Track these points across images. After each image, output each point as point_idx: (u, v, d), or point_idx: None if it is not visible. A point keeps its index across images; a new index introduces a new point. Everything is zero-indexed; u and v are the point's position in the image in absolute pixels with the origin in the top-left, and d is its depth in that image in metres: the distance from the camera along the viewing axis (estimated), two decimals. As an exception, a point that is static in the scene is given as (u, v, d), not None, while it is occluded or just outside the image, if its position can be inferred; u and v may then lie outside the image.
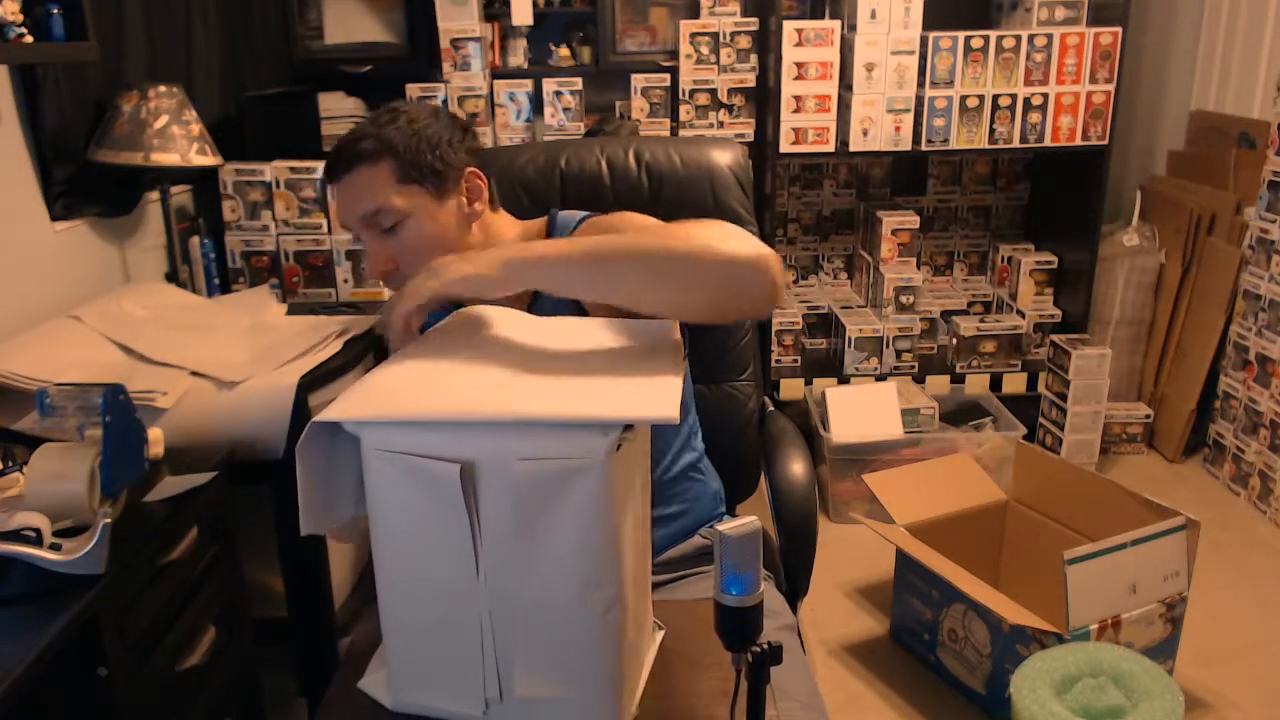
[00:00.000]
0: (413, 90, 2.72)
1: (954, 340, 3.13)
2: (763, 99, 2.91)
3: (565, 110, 2.85)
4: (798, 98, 2.82)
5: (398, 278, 1.21)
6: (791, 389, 3.06)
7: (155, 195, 2.16)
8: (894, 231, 3.04)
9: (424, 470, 0.87)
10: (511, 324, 1.07)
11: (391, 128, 1.18)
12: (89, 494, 1.21)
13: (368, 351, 1.92)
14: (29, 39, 1.58)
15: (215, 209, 2.24)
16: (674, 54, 2.92)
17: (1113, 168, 2.98)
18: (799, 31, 2.78)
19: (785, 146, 2.86)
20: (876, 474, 2.43)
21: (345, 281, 2.24)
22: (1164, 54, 3.35)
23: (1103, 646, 1.76)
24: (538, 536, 0.88)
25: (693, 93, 2.90)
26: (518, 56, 3.01)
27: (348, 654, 1.21)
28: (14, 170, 1.81)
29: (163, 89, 2.00)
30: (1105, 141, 2.88)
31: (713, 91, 2.90)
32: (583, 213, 1.33)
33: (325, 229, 2.21)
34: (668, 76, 2.90)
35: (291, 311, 2.07)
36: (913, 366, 3.10)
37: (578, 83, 2.85)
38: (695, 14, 2.90)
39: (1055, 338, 3.04)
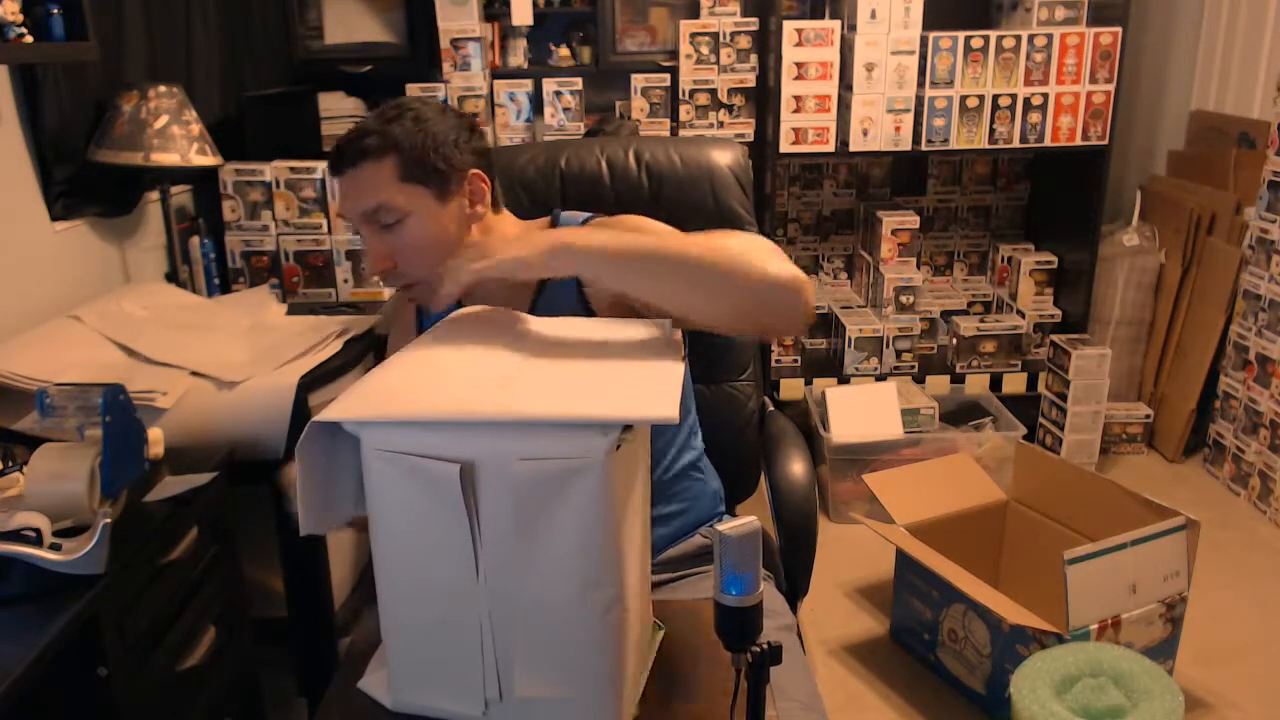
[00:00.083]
0: (412, 90, 2.72)
1: (954, 340, 3.13)
2: (763, 99, 2.92)
3: (565, 110, 2.85)
4: (798, 98, 2.82)
5: (395, 275, 1.21)
6: (791, 389, 3.05)
7: (155, 195, 2.16)
8: (894, 231, 3.04)
9: (424, 470, 0.87)
10: (511, 324, 1.07)
11: (397, 125, 1.18)
12: (89, 494, 1.21)
13: (368, 351, 1.92)
14: (29, 39, 1.58)
15: (215, 209, 2.24)
16: (674, 54, 2.92)
17: (1113, 168, 2.98)
18: (799, 31, 2.78)
19: (785, 146, 2.86)
20: (876, 474, 2.43)
21: (345, 281, 2.23)
22: (1164, 54, 3.35)
23: (1103, 646, 1.76)
24: (538, 536, 0.88)
25: (693, 93, 2.90)
26: (518, 56, 3.01)
27: (348, 654, 1.21)
28: (14, 170, 1.81)
29: (163, 89, 2.00)
30: (1105, 141, 2.88)
31: (713, 91, 2.90)
32: (586, 213, 1.33)
33: (325, 229, 2.21)
34: (668, 76, 2.90)
35: (291, 311, 2.07)
36: (913, 366, 3.10)
37: (578, 83, 2.85)
38: (695, 14, 2.90)
39: (1055, 338, 3.04)
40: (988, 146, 2.89)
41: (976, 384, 3.11)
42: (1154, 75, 3.37)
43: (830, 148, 2.88)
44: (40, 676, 1.03)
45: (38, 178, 1.86)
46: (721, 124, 2.93)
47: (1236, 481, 2.91)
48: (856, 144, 2.85)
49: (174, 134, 1.98)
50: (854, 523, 2.65)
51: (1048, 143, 2.88)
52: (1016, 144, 2.89)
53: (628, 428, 0.86)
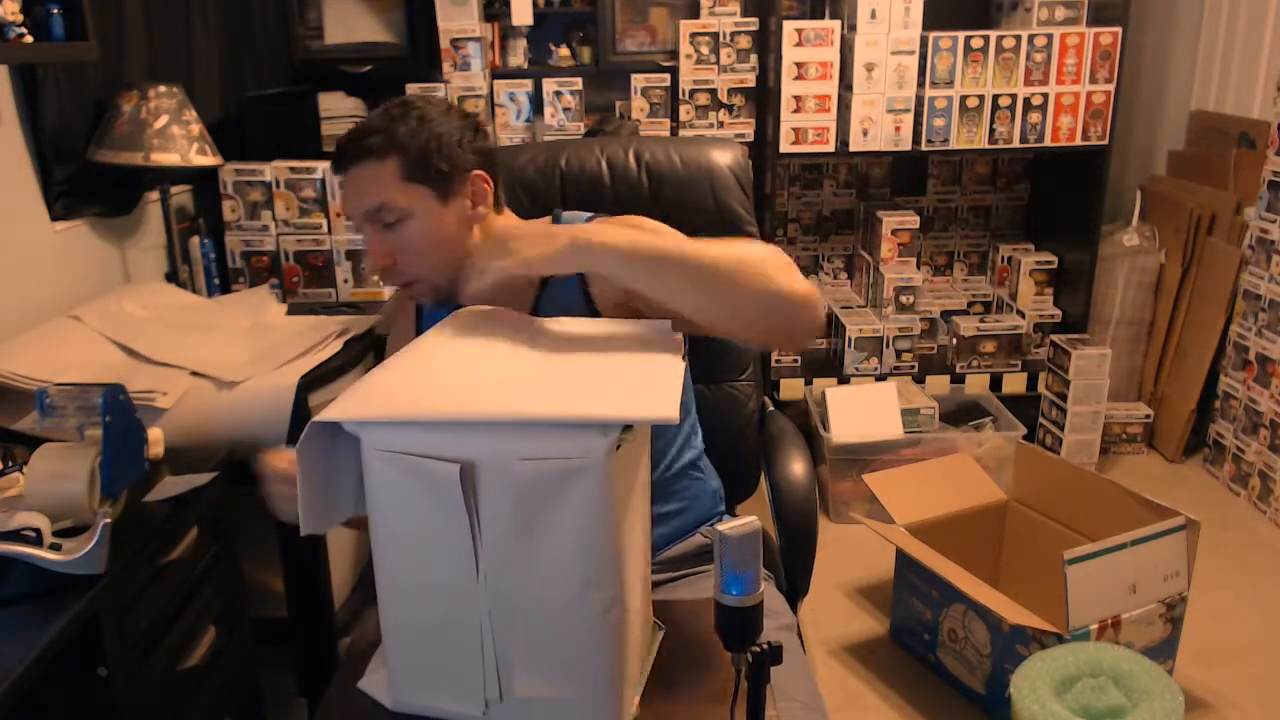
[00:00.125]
0: (412, 90, 2.72)
1: (954, 340, 3.13)
2: (763, 99, 2.92)
3: (565, 110, 2.85)
4: (798, 98, 2.82)
5: (396, 273, 1.22)
6: (791, 389, 3.05)
7: (155, 195, 2.16)
8: (894, 231, 3.04)
9: (424, 470, 0.87)
10: (511, 324, 1.07)
11: (402, 124, 1.18)
12: (89, 494, 1.21)
13: (368, 351, 1.92)
14: (29, 39, 1.58)
15: (215, 209, 2.24)
16: (674, 54, 2.92)
17: (1113, 168, 2.98)
18: (799, 31, 2.77)
19: (785, 146, 2.86)
20: (876, 474, 2.43)
21: (345, 281, 2.23)
22: (1164, 54, 3.35)
23: (1103, 646, 1.76)
24: (538, 536, 0.88)
25: (693, 93, 2.90)
26: (518, 56, 3.01)
27: (348, 654, 1.21)
28: (14, 170, 1.81)
29: (163, 89, 2.00)
30: (1105, 141, 2.88)
31: (713, 91, 2.90)
32: (588, 213, 1.33)
33: (325, 229, 2.21)
34: (668, 76, 2.90)
35: (291, 311, 2.07)
36: (913, 366, 3.10)
37: (578, 83, 2.85)
38: (695, 14, 2.90)
39: (1055, 338, 3.04)
40: (988, 146, 2.89)
41: (976, 384, 3.11)
42: (1154, 75, 3.37)
43: (830, 148, 2.88)
44: (40, 676, 1.03)
45: (38, 178, 1.86)
46: (721, 124, 2.93)
47: (1236, 481, 2.91)
48: (856, 144, 2.85)
49: (174, 134, 1.98)
50: (854, 523, 2.65)
51: (1048, 143, 2.88)
52: (1016, 144, 2.89)
53: (628, 428, 0.86)
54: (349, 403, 0.91)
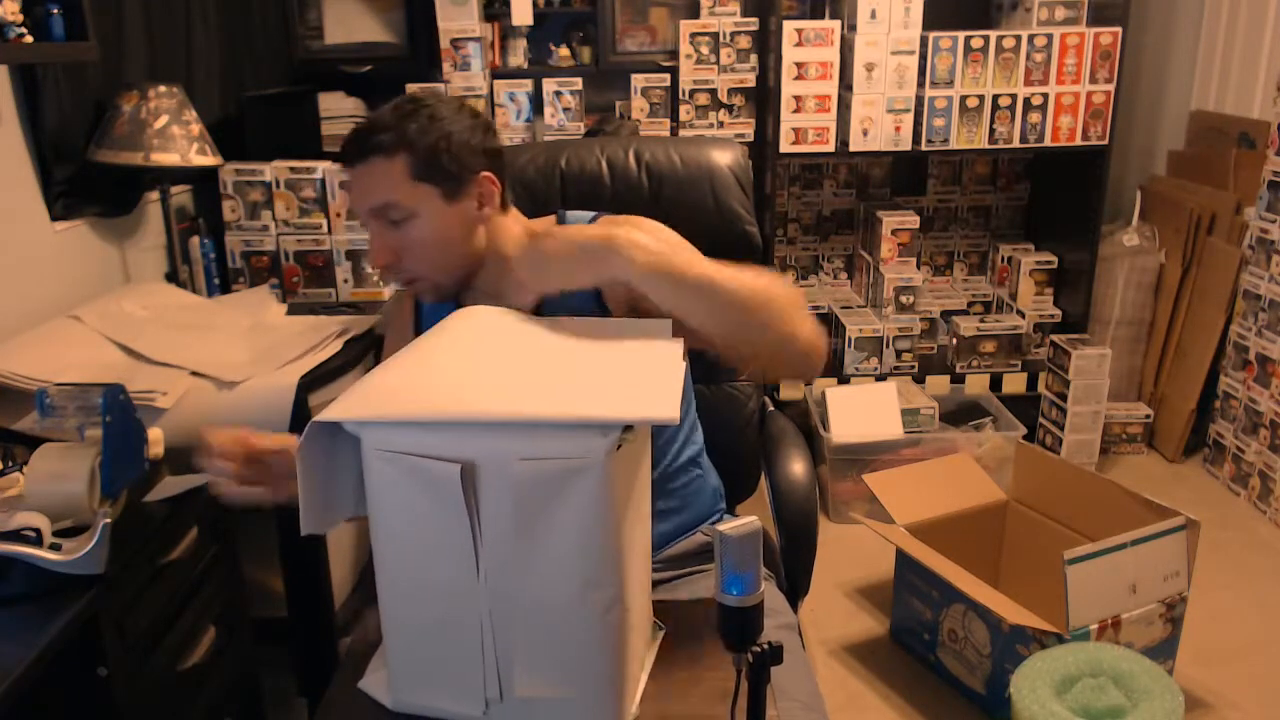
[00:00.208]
0: (413, 90, 2.72)
1: (954, 340, 3.13)
2: (763, 99, 2.91)
3: (565, 110, 2.85)
4: (798, 98, 2.82)
5: (398, 270, 1.22)
6: (791, 389, 3.05)
7: (155, 195, 2.16)
8: (894, 231, 3.04)
9: (424, 470, 0.87)
10: (512, 324, 1.07)
11: (412, 122, 1.17)
12: (89, 494, 1.21)
13: (368, 351, 1.92)
14: (29, 39, 1.58)
15: (215, 209, 2.24)
16: (674, 54, 2.92)
17: (1113, 168, 2.98)
18: (799, 31, 2.77)
19: (785, 146, 2.86)
20: (876, 474, 2.43)
21: (345, 281, 2.23)
22: (1164, 54, 3.35)
23: (1103, 646, 1.76)
24: (538, 536, 0.88)
25: (693, 93, 2.90)
26: (518, 56, 3.01)
27: (348, 654, 1.21)
28: (14, 170, 1.81)
29: (163, 89, 2.00)
30: (1105, 141, 2.88)
31: (713, 91, 2.90)
32: (592, 212, 1.33)
33: (325, 229, 2.21)
34: (668, 76, 2.90)
35: (291, 311, 2.07)
36: (913, 366, 3.10)
37: (578, 83, 2.85)
38: (695, 14, 2.90)
39: (1055, 338, 3.04)
40: (988, 146, 2.89)
41: (976, 384, 3.11)
42: (1154, 75, 3.37)
43: (830, 148, 2.88)
44: (40, 676, 1.03)
45: (38, 178, 1.86)
46: (721, 124, 2.93)
47: (1236, 481, 2.91)
48: (856, 144, 2.85)
49: (174, 134, 1.98)
50: (854, 523, 2.65)
51: (1048, 143, 2.88)
52: (1016, 144, 2.89)
53: (628, 428, 0.86)
54: (349, 403, 0.91)
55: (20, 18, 1.56)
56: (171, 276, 2.19)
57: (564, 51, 3.05)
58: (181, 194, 2.30)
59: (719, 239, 1.60)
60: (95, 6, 1.71)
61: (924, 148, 2.88)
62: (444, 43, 2.77)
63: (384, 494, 0.91)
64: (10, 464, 1.33)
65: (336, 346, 1.83)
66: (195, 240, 2.21)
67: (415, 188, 1.17)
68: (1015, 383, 3.12)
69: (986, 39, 2.78)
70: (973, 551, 2.22)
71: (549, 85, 2.84)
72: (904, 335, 3.06)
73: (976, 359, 3.12)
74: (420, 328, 1.37)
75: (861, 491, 2.60)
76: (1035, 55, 2.80)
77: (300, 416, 1.62)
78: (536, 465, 0.85)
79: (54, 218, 1.89)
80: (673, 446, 1.34)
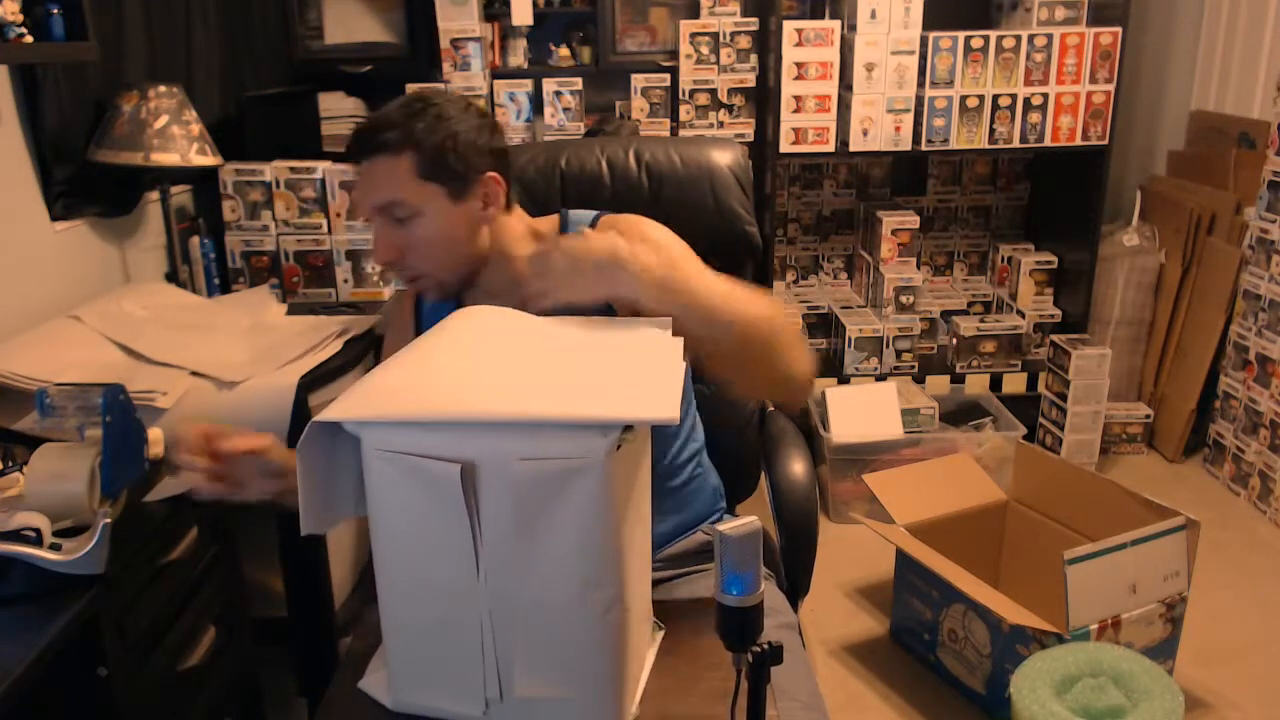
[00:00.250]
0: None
1: (954, 340, 3.13)
2: (763, 99, 2.91)
3: (565, 110, 2.85)
4: (798, 98, 2.82)
5: (401, 267, 1.22)
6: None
7: (155, 195, 2.16)
8: (894, 231, 3.04)
9: (424, 470, 0.87)
10: (512, 324, 1.07)
11: (419, 121, 1.17)
12: (89, 494, 1.21)
13: (368, 351, 1.92)
14: (29, 39, 1.58)
15: (215, 209, 2.24)
16: (674, 54, 2.92)
17: (1113, 168, 2.98)
18: (799, 31, 2.77)
19: (785, 146, 2.86)
20: (876, 474, 2.43)
21: (345, 281, 2.23)
22: (1164, 54, 3.35)
23: (1103, 646, 1.76)
24: (538, 536, 0.88)
25: (693, 93, 2.90)
26: (518, 56, 3.01)
27: (348, 654, 1.21)
28: (14, 170, 1.81)
29: (163, 89, 2.00)
30: (1105, 141, 2.88)
31: (713, 91, 2.90)
32: (594, 211, 1.33)
33: (325, 229, 2.21)
34: (668, 76, 2.90)
35: (291, 311, 2.07)
36: (913, 366, 3.10)
37: (578, 83, 2.85)
38: (695, 14, 2.90)
39: (1055, 338, 3.04)
40: (988, 146, 2.89)
41: (976, 384, 3.11)
42: (1154, 75, 3.37)
43: (830, 148, 2.88)
44: (40, 676, 1.03)
45: (38, 178, 1.86)
46: (721, 124, 2.93)
47: (1236, 481, 2.91)
48: (856, 144, 2.85)
49: (174, 134, 1.98)
50: (854, 523, 2.65)
51: (1048, 143, 2.88)
52: (1016, 144, 2.89)
53: (628, 428, 0.86)
54: (349, 403, 0.91)
55: (20, 18, 1.56)
56: (171, 276, 2.19)
57: (564, 51, 3.05)
58: (181, 194, 2.30)
59: (719, 239, 1.60)
60: (95, 6, 1.71)
61: (924, 148, 2.88)
62: (444, 43, 2.77)
63: (384, 494, 0.91)
64: (10, 464, 1.33)
65: (336, 346, 1.83)
66: (195, 240, 2.21)
67: (421, 186, 1.17)
68: (1015, 383, 3.12)
69: (986, 39, 2.78)
70: (973, 551, 2.22)
71: (549, 85, 2.84)
72: (904, 335, 3.06)
73: (976, 359, 3.12)
74: (420, 328, 1.37)
75: (861, 491, 2.60)
76: (1035, 55, 2.80)
77: (300, 416, 1.62)
78: (536, 465, 0.85)
79: (54, 218, 1.89)
80: (673, 445, 1.34)
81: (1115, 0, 2.80)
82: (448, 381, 0.93)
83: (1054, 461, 2.38)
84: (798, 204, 3.37)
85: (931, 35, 2.77)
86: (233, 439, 1.12)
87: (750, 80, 2.90)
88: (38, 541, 1.13)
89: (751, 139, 2.94)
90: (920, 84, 2.82)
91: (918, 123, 2.85)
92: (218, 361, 1.70)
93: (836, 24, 2.80)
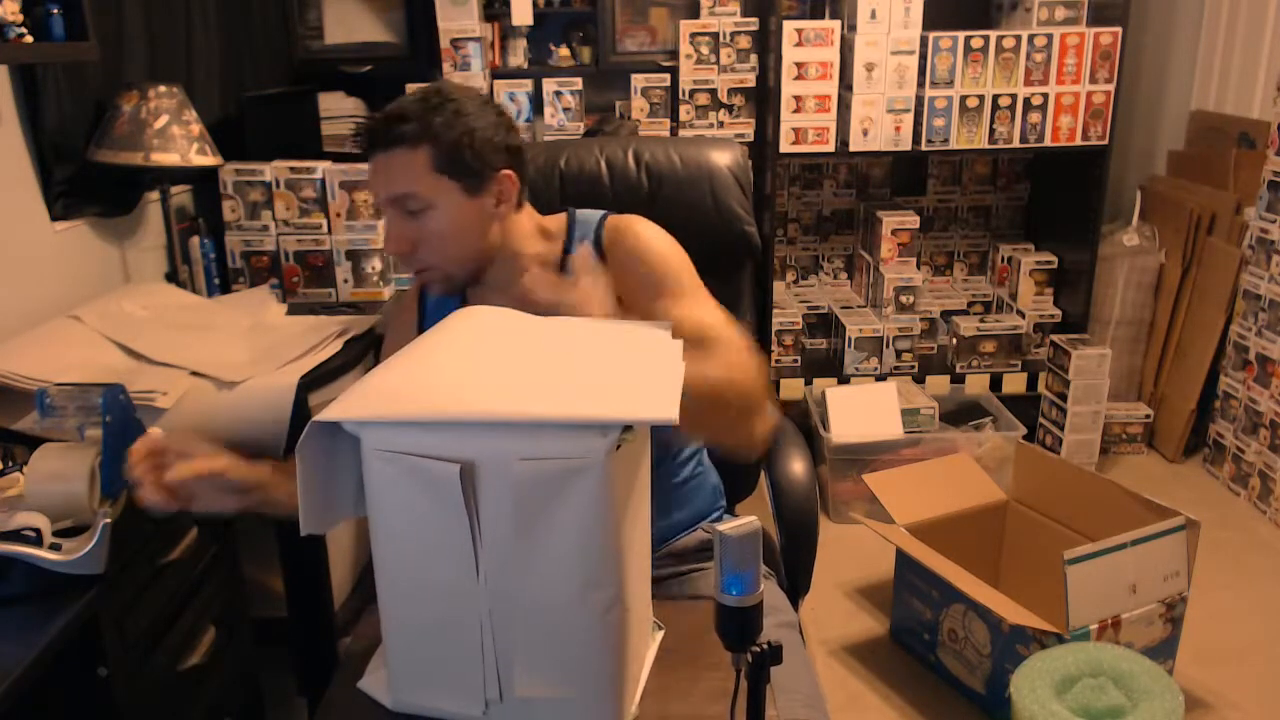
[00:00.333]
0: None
1: (954, 340, 3.13)
2: (763, 99, 2.91)
3: (565, 110, 2.85)
4: (798, 98, 2.82)
5: (412, 259, 1.23)
6: (791, 389, 3.05)
7: (155, 195, 2.16)
8: (894, 231, 3.04)
9: (424, 470, 0.87)
10: (512, 324, 1.07)
11: (437, 115, 1.18)
12: (89, 494, 1.21)
13: (368, 351, 1.92)
14: (29, 39, 1.58)
15: (215, 209, 2.24)
16: (674, 54, 2.92)
17: (1113, 168, 2.98)
18: (799, 31, 2.77)
19: (785, 146, 2.86)
20: (876, 474, 2.43)
21: (345, 281, 2.23)
22: (1164, 54, 3.35)
23: (1103, 646, 1.76)
24: (538, 536, 0.88)
25: (693, 93, 2.90)
26: (518, 56, 3.01)
27: (348, 654, 1.21)
28: (14, 170, 1.81)
29: (163, 89, 2.00)
30: (1105, 141, 2.88)
31: (713, 91, 2.90)
32: (601, 211, 1.34)
33: (325, 229, 2.21)
34: (668, 76, 2.90)
35: (291, 311, 2.07)
36: (913, 366, 3.10)
37: (578, 83, 2.85)
38: (695, 14, 2.90)
39: (1055, 338, 3.04)
40: (988, 146, 2.89)
41: (976, 384, 3.11)
42: (1154, 75, 3.37)
43: (830, 148, 2.88)
44: (40, 676, 1.03)
45: (38, 178, 1.86)
46: (721, 124, 2.93)
47: (1236, 481, 2.91)
48: (856, 144, 2.85)
49: (174, 134, 1.98)
50: (854, 523, 2.65)
51: (1048, 143, 2.88)
52: (1016, 144, 2.89)
53: (628, 428, 0.86)
54: (349, 403, 0.91)
55: (20, 18, 1.56)
56: (171, 276, 2.19)
57: (564, 51, 3.05)
58: (181, 194, 2.30)
59: (718, 239, 1.60)
60: (95, 6, 1.71)
61: (924, 148, 2.88)
62: (444, 43, 2.77)
63: (384, 494, 0.91)
64: (10, 464, 1.33)
65: (336, 346, 1.83)
66: (195, 240, 2.21)
67: (436, 180, 1.18)
68: (1015, 383, 3.12)
69: (986, 39, 2.78)
70: (973, 551, 2.22)
71: (549, 85, 2.84)
72: (904, 335, 3.06)
73: (976, 359, 3.12)
74: (425, 324, 1.37)
75: (861, 491, 2.60)
76: (1035, 55, 2.80)
77: (300, 416, 1.62)
78: (536, 465, 0.85)
79: (54, 218, 1.89)
80: (673, 444, 1.34)
81: (1115, 0, 2.80)
82: (447, 381, 0.93)
83: (1054, 461, 2.38)
84: (798, 204, 3.37)
85: (931, 35, 2.77)
86: (181, 466, 1.08)
87: (750, 80, 2.90)
88: (38, 541, 1.13)
89: (751, 139, 2.94)
90: (920, 84, 2.82)
91: (918, 123, 2.85)
92: (218, 361, 1.70)
93: (836, 24, 2.80)
